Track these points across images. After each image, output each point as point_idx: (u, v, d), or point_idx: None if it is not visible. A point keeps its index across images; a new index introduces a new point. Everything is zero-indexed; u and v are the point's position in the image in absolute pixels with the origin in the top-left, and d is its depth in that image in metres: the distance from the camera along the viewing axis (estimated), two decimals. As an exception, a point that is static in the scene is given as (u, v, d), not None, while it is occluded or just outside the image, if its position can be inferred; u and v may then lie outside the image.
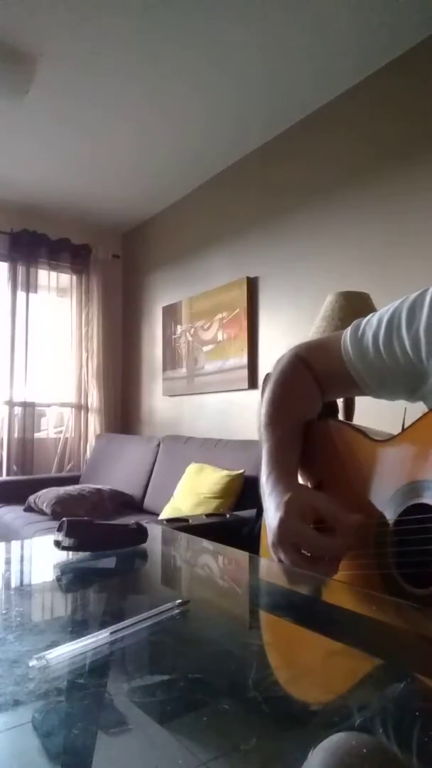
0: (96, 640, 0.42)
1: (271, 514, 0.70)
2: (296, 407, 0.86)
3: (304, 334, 2.07)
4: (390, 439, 0.73)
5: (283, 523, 0.67)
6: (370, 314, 0.82)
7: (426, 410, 0.74)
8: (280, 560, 0.69)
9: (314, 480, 0.82)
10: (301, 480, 0.81)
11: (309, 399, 0.87)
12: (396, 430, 0.75)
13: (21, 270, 3.82)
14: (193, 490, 2.52)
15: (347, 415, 1.76)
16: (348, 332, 0.83)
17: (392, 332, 0.76)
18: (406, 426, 0.71)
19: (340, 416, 1.71)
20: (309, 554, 0.66)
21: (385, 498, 0.69)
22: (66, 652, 0.40)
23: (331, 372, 0.85)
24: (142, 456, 3.28)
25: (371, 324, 0.80)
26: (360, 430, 0.79)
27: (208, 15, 2.06)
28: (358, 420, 1.69)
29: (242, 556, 0.75)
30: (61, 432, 4.05)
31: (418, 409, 0.78)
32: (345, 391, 0.90)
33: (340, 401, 1.64)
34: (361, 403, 1.75)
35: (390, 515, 0.67)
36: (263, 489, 0.76)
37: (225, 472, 2.45)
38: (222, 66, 2.35)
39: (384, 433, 0.77)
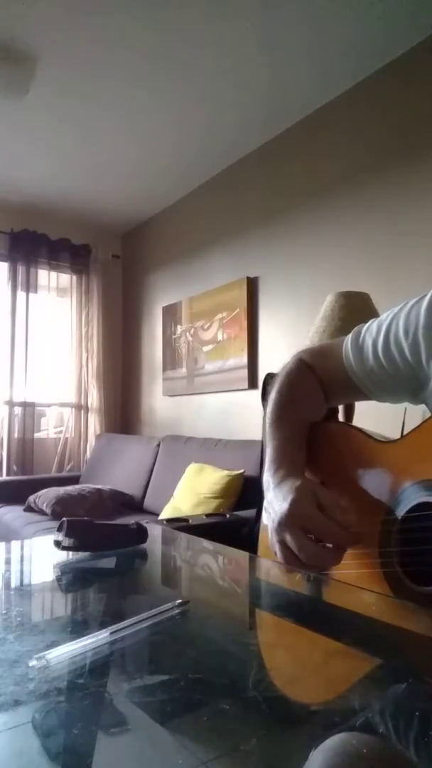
0: (96, 640, 0.42)
1: (281, 498, 0.70)
2: (302, 408, 0.87)
3: (304, 334, 2.07)
4: (394, 441, 0.73)
5: (295, 504, 0.67)
6: (371, 320, 0.83)
7: (428, 412, 0.74)
8: (282, 543, 0.68)
9: (318, 480, 0.82)
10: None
11: (314, 401, 0.88)
12: (396, 431, 0.75)
13: (21, 270, 3.82)
14: (193, 490, 2.52)
15: (347, 417, 1.76)
16: (349, 339, 0.84)
17: (390, 338, 0.78)
18: (407, 427, 0.72)
19: (340, 418, 1.71)
20: (315, 539, 0.66)
21: (391, 497, 0.69)
22: (66, 652, 0.40)
23: (335, 378, 0.86)
24: (142, 456, 3.28)
25: (371, 331, 0.81)
26: (362, 432, 0.79)
27: (209, 15, 2.06)
28: (358, 421, 1.69)
29: (242, 556, 0.75)
30: (61, 432, 4.05)
31: (418, 411, 0.78)
32: (349, 397, 0.90)
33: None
34: (361, 404, 1.75)
35: (395, 514, 0.68)
36: (268, 482, 0.76)
37: (225, 472, 2.45)
38: (222, 66, 2.35)
39: (382, 435, 0.78)
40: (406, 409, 0.87)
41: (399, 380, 0.79)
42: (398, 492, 0.68)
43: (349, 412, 1.78)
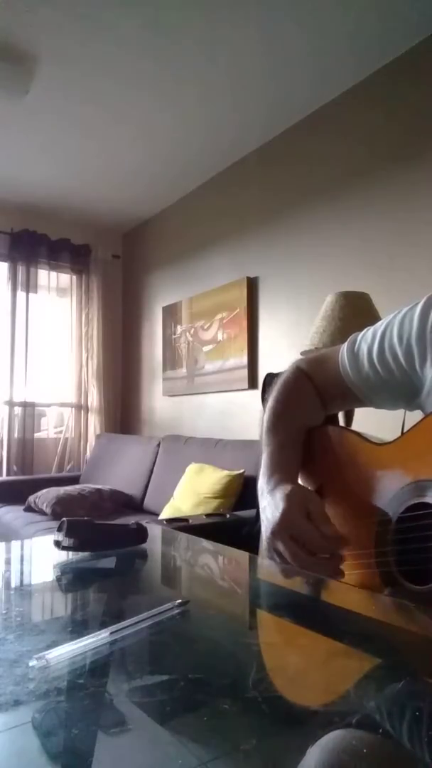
0: (96, 640, 0.42)
1: (273, 506, 0.71)
2: (298, 415, 0.87)
3: (304, 334, 2.07)
4: (389, 443, 0.74)
5: (286, 514, 0.68)
6: (367, 328, 0.84)
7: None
8: (276, 551, 0.69)
9: (315, 484, 0.83)
10: (302, 484, 0.82)
11: (310, 408, 0.88)
12: (395, 433, 0.75)
13: (21, 270, 3.82)
14: (193, 490, 2.52)
15: (347, 421, 1.76)
16: (345, 347, 0.85)
17: (385, 345, 0.79)
18: (405, 430, 0.72)
19: (340, 421, 1.71)
20: (306, 548, 0.67)
21: (386, 498, 0.69)
22: (66, 652, 0.40)
23: (331, 386, 0.87)
24: (142, 456, 3.28)
25: (366, 338, 0.82)
26: (359, 434, 0.80)
27: (209, 15, 2.06)
28: (358, 425, 1.69)
29: (242, 556, 0.75)
30: (61, 432, 4.05)
31: (417, 414, 0.78)
32: (346, 404, 0.91)
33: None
34: (361, 408, 1.75)
35: (390, 515, 0.68)
36: (262, 488, 0.77)
37: (225, 472, 2.45)
38: (222, 66, 2.35)
39: (379, 438, 0.78)
40: (405, 411, 0.87)
41: (394, 386, 0.79)
42: (394, 493, 0.69)
43: (349, 415, 1.78)
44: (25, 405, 3.77)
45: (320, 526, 0.67)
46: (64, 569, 0.68)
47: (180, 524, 1.54)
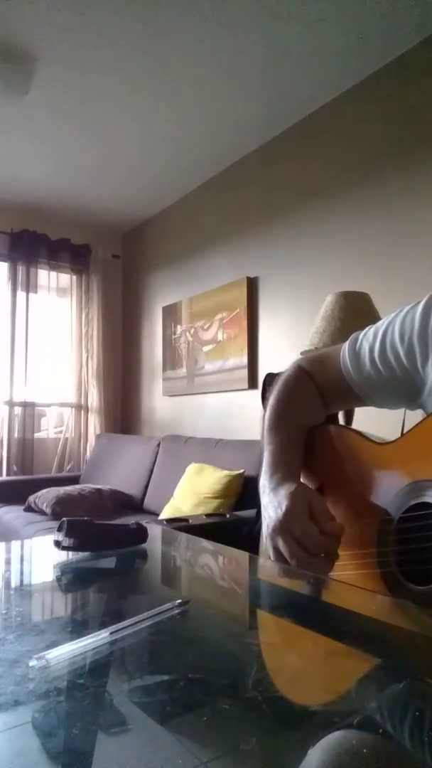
0: (96, 640, 0.42)
1: (276, 504, 0.71)
2: (299, 413, 0.87)
3: (304, 334, 2.07)
4: (391, 442, 0.74)
5: (289, 513, 0.68)
6: (368, 327, 0.84)
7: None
8: (276, 549, 0.69)
9: (316, 483, 0.83)
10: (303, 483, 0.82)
11: (311, 406, 0.88)
12: (396, 433, 0.75)
13: (21, 270, 3.82)
14: (193, 490, 2.52)
15: (347, 420, 1.76)
16: (346, 346, 0.85)
17: (386, 344, 0.79)
18: (406, 429, 0.72)
19: (340, 420, 1.71)
20: (305, 546, 0.67)
21: (387, 498, 0.69)
22: (66, 652, 0.40)
23: (333, 385, 0.87)
24: (142, 456, 3.28)
25: (368, 337, 0.82)
26: (360, 434, 0.80)
27: (209, 16, 2.06)
28: (358, 424, 1.69)
29: (242, 556, 0.75)
30: (61, 432, 4.05)
31: (418, 414, 0.78)
32: (347, 403, 0.91)
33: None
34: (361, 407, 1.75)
35: (392, 515, 0.68)
36: (264, 487, 0.77)
37: (225, 472, 2.45)
38: (222, 67, 2.35)
39: (380, 437, 0.78)
40: (405, 411, 0.87)
41: (396, 386, 0.79)
42: (395, 493, 0.68)
43: (349, 415, 1.78)
44: (25, 405, 3.77)
45: (324, 523, 0.67)
46: (64, 569, 0.68)
47: (180, 524, 1.54)
